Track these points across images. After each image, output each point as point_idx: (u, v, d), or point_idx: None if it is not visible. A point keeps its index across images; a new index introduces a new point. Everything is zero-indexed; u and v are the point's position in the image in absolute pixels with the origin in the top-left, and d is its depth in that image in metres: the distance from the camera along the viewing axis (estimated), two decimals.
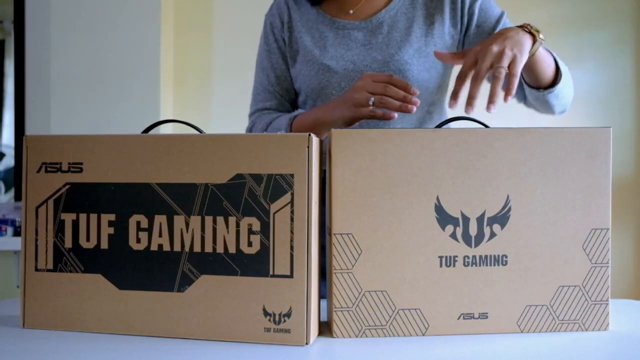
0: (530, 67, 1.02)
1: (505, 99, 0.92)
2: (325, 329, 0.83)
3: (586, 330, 0.81)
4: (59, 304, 0.82)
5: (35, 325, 0.82)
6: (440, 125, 0.87)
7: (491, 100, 0.89)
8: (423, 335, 0.80)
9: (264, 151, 0.77)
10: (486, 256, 0.80)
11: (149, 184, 0.80)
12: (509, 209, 0.80)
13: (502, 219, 0.80)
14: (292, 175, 0.76)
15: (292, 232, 0.76)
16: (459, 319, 0.80)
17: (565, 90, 1.09)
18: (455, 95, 0.92)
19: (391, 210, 0.79)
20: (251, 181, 0.77)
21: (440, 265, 0.80)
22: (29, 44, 2.43)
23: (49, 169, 0.81)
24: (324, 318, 0.88)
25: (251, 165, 0.77)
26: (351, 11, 1.17)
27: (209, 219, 0.78)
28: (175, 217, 0.79)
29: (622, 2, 2.64)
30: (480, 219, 0.80)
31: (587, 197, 0.80)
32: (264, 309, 0.77)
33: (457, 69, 1.21)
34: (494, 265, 0.80)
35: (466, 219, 0.80)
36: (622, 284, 2.65)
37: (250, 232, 0.77)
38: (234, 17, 2.60)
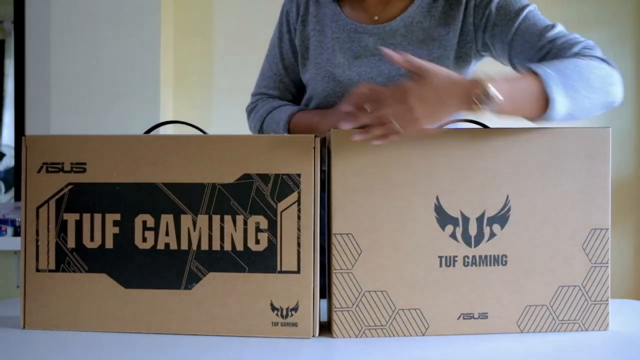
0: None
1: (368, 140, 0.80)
2: (325, 329, 0.83)
3: (586, 330, 0.81)
4: (61, 304, 0.82)
5: (36, 326, 0.82)
6: (440, 126, 0.87)
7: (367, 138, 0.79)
8: (423, 335, 0.80)
9: (271, 152, 0.79)
10: (486, 256, 0.80)
11: (155, 184, 0.80)
12: (509, 209, 0.80)
13: (501, 219, 0.80)
14: (299, 175, 0.78)
15: (299, 229, 0.78)
16: (458, 319, 0.80)
17: (573, 104, 0.83)
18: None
19: (391, 210, 0.79)
20: (259, 181, 0.79)
21: (440, 265, 0.80)
22: (29, 44, 2.43)
23: (50, 169, 0.82)
24: (323, 318, 0.88)
25: (259, 165, 0.79)
26: (376, 17, 1.11)
27: (216, 218, 0.80)
28: (182, 217, 0.80)
29: (621, 4, 2.64)
30: (480, 219, 0.80)
31: (586, 197, 0.81)
32: (272, 304, 0.79)
33: None
34: (494, 265, 0.80)
35: (466, 219, 0.80)
36: (622, 284, 2.65)
37: (258, 230, 0.79)
38: (234, 18, 2.59)
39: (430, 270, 0.80)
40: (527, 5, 1.02)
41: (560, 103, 0.81)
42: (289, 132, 1.11)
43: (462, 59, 1.08)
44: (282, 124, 1.12)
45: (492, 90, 0.77)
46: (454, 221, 0.80)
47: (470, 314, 0.80)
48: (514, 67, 1.03)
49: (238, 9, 2.58)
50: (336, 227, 0.79)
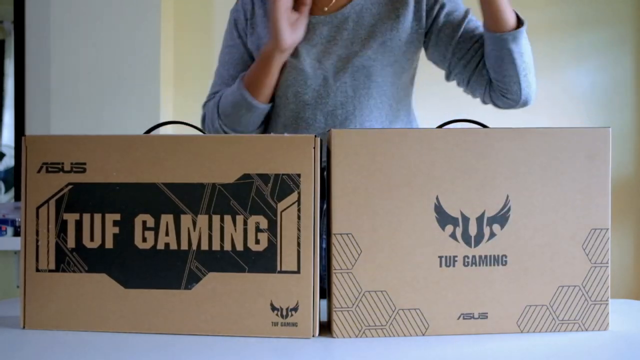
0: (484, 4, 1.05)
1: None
2: (325, 329, 0.84)
3: (586, 330, 0.81)
4: (61, 305, 0.82)
5: (36, 326, 0.82)
6: (440, 126, 0.88)
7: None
8: (423, 335, 0.80)
9: (271, 152, 0.79)
10: (486, 256, 0.80)
11: (155, 184, 0.80)
12: (509, 209, 0.80)
13: (501, 219, 0.80)
14: (298, 175, 0.78)
15: (299, 229, 0.78)
16: (458, 319, 0.80)
17: (527, 47, 1.08)
18: None
19: (391, 210, 0.79)
20: (259, 181, 0.79)
21: (440, 265, 0.80)
22: (29, 44, 2.43)
23: (50, 169, 0.82)
24: (323, 318, 0.88)
25: (258, 165, 0.79)
26: (326, 9, 1.17)
27: (216, 218, 0.79)
28: (182, 217, 0.80)
29: (621, 4, 2.64)
30: (480, 219, 0.80)
31: (586, 197, 0.81)
32: (272, 304, 0.79)
33: (424, 66, 1.23)
34: (494, 265, 0.80)
35: (466, 219, 0.80)
36: (622, 284, 2.65)
37: (258, 230, 0.79)
38: None
39: (430, 270, 0.80)
40: (468, 13, 1.16)
41: (525, 32, 1.06)
42: (245, 87, 1.15)
43: (412, 43, 1.16)
44: (236, 85, 1.17)
45: None
46: (454, 221, 0.80)
47: (470, 314, 0.80)
48: (450, 61, 1.16)
49: None
50: (336, 227, 0.79)
